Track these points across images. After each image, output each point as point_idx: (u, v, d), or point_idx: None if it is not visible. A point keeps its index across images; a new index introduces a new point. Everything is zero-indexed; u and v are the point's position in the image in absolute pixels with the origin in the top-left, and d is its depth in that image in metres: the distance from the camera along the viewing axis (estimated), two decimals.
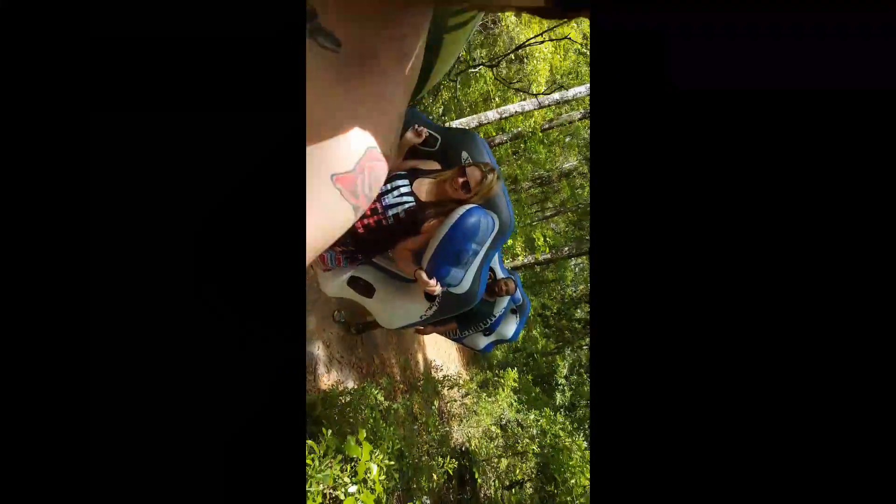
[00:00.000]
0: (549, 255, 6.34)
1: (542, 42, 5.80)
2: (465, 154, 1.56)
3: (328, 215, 0.33)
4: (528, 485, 3.52)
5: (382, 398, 2.24)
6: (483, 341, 2.39)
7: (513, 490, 3.51)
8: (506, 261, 6.16)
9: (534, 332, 7.93)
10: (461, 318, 2.29)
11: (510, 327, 2.38)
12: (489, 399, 3.84)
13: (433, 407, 3.32)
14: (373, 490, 1.41)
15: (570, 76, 7.62)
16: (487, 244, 1.53)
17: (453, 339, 2.47)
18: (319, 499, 1.31)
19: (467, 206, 1.44)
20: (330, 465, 1.36)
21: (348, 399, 2.08)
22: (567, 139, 8.29)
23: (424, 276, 1.44)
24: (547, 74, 6.24)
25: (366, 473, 1.42)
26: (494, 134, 5.93)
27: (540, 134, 5.95)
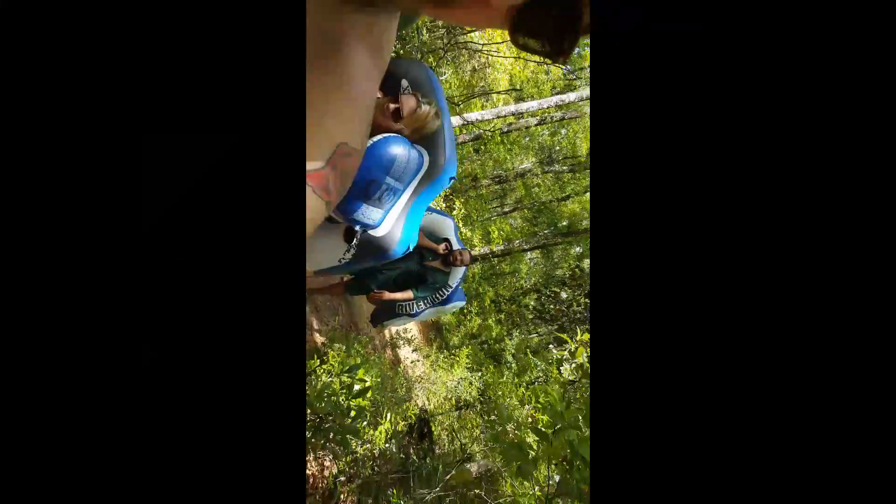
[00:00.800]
0: (503, 247, 7.06)
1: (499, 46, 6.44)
2: (405, 82, 1.40)
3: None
4: (474, 407, 4.19)
5: (362, 349, 2.82)
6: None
7: (460, 411, 4.16)
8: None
9: (489, 320, 8.62)
10: (415, 289, 2.36)
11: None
12: (445, 366, 4.47)
13: (399, 367, 3.91)
14: (366, 398, 2.02)
15: (529, 84, 8.32)
16: (412, 183, 1.37)
17: (410, 315, 2.43)
18: (338, 384, 1.93)
19: (386, 134, 1.28)
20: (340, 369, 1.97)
21: (343, 346, 2.67)
22: (525, 140, 9.01)
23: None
24: (507, 84, 6.90)
25: (363, 383, 2.03)
26: (458, 133, 6.53)
27: (499, 137, 6.61)
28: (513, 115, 5.44)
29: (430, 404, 4.23)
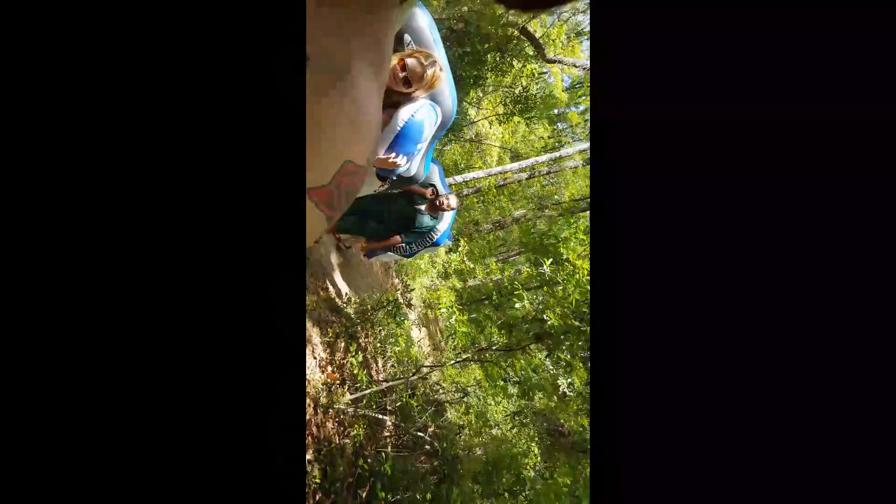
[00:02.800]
0: (500, 277, 8.42)
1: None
2: (407, 37, 1.47)
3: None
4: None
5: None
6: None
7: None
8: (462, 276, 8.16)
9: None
10: (406, 233, 2.49)
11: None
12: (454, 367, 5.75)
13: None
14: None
15: (520, 145, 9.98)
16: (431, 136, 1.56)
17: (403, 255, 2.58)
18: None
19: (412, 109, 1.44)
20: None
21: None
22: (520, 190, 10.56)
23: (387, 158, 1.47)
24: (498, 151, 8.56)
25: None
26: (463, 187, 8.08)
27: (494, 190, 8.15)
28: (501, 173, 7.00)
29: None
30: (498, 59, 5.50)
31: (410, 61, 1.41)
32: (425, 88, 1.46)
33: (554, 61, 6.36)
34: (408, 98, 1.46)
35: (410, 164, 1.62)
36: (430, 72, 1.43)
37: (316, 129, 0.34)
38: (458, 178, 6.77)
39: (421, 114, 1.47)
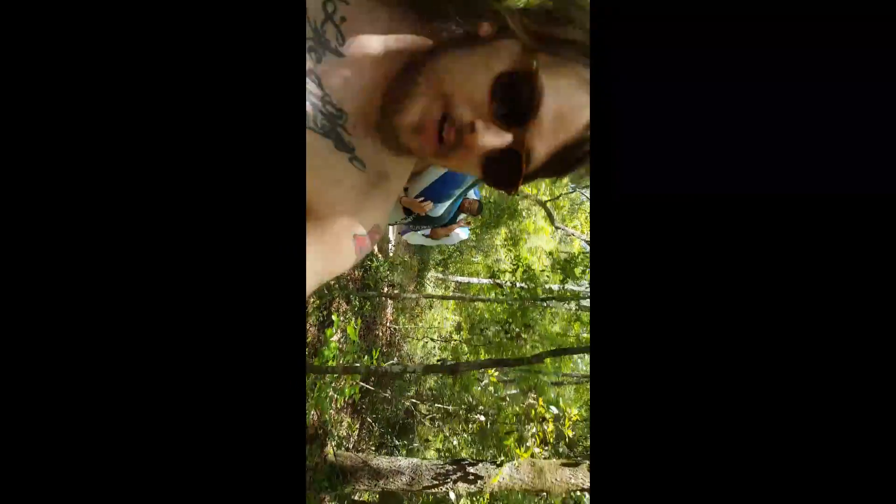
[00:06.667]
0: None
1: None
2: None
3: (339, 259, 0.48)
4: None
5: None
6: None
7: None
8: None
9: None
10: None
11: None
12: None
13: None
14: None
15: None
16: (467, 185, 1.71)
17: (421, 234, 2.71)
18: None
19: None
20: None
21: None
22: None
23: (418, 201, 1.60)
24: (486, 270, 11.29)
25: None
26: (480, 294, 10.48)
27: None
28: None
29: None
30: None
31: None
32: None
33: (558, 228, 9.29)
34: None
35: (439, 206, 1.71)
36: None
37: (366, 204, 0.50)
38: (474, 280, 9.34)
39: None
